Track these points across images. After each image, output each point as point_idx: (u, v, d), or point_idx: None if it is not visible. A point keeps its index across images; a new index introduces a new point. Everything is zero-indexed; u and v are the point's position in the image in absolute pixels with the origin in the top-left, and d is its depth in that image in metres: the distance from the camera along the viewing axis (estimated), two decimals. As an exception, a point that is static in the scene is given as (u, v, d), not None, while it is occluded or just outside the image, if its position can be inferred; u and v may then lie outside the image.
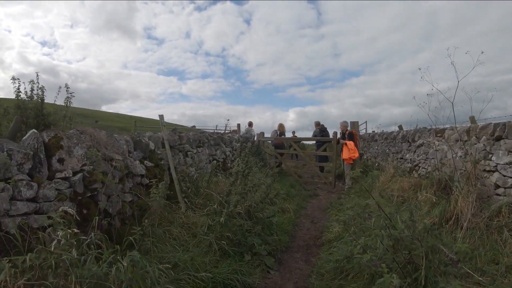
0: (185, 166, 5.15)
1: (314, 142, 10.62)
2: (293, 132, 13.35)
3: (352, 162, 7.96)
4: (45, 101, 4.36)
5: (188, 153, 5.58)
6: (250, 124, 12.10)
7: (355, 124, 9.81)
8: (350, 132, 8.09)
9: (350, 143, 7.91)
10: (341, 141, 8.09)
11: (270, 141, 10.38)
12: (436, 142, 5.23)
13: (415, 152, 6.00)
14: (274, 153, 9.62)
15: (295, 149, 9.05)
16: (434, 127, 5.92)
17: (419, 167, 5.79)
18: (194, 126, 15.86)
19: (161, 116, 5.00)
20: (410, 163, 6.08)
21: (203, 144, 6.41)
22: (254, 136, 10.91)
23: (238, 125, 12.02)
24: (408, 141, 6.60)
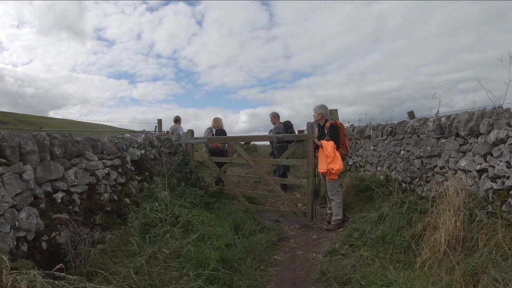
0: None
1: (273, 143, 7.14)
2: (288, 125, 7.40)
3: (335, 177, 4.58)
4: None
5: None
6: (177, 119, 8.15)
7: (332, 114, 6.51)
8: (332, 125, 4.70)
9: (329, 145, 4.53)
10: (316, 141, 4.66)
11: (205, 143, 6.57)
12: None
13: (501, 156, 2.74)
14: (209, 163, 5.91)
15: (243, 156, 5.44)
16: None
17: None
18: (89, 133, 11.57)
19: None
20: (493, 181, 2.81)
21: (15, 156, 2.52)
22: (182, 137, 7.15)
23: (159, 120, 8.01)
24: (461, 136, 3.36)
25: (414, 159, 4.23)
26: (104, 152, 3.84)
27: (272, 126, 7.11)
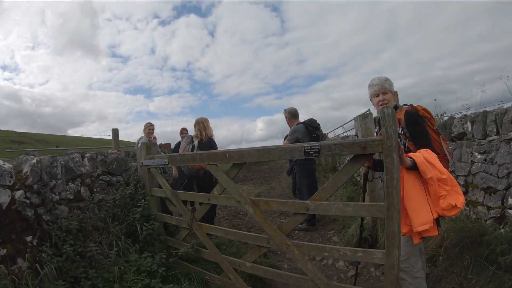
0: None
1: (295, 160, 4.49)
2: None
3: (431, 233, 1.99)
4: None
5: None
6: (149, 131, 5.38)
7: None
8: (410, 114, 2.24)
9: (433, 157, 2.01)
10: (407, 158, 2.01)
11: (165, 165, 3.74)
12: None
13: None
14: (175, 201, 3.23)
15: (230, 192, 2.73)
16: None
17: None
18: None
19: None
20: None
21: None
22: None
23: (114, 131, 5.23)
24: None
25: None
26: None
27: (288, 129, 4.49)
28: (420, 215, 1.96)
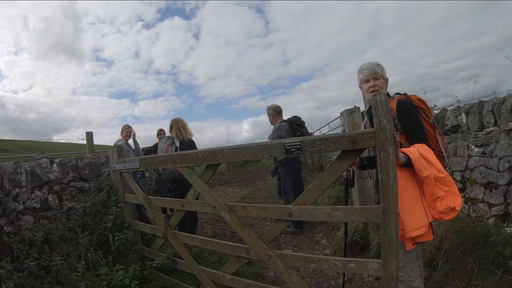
0: None
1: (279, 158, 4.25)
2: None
3: (426, 238, 1.77)
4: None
5: None
6: (126, 133, 5.01)
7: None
8: (402, 104, 1.99)
9: (429, 153, 1.77)
10: (401, 152, 1.76)
11: (137, 169, 3.41)
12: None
13: None
14: (149, 208, 2.93)
15: (205, 197, 2.45)
16: None
17: None
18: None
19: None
20: None
21: None
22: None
23: (88, 134, 4.84)
24: None
25: None
26: None
27: (271, 127, 4.23)
28: (414, 219, 1.71)
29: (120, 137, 4.72)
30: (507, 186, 2.56)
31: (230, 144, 2.31)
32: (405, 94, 2.14)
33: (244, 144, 2.09)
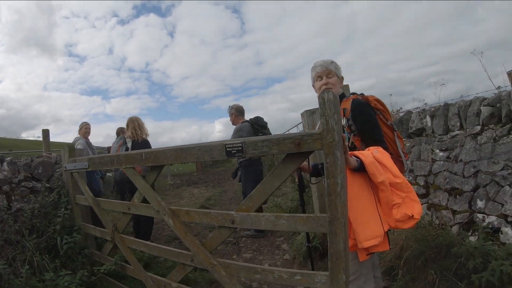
0: None
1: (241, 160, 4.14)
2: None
3: (382, 248, 1.65)
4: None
5: None
6: (85, 130, 4.74)
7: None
8: (358, 104, 1.86)
9: (385, 156, 1.63)
10: (353, 156, 1.62)
11: (85, 169, 3.10)
12: None
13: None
14: (97, 209, 2.73)
15: (149, 200, 2.24)
16: None
17: None
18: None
19: None
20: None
21: None
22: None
23: (44, 131, 4.54)
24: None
25: None
26: None
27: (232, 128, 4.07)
28: (368, 228, 1.57)
29: (79, 135, 4.41)
30: (472, 193, 2.46)
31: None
32: (361, 94, 2.01)
33: (186, 145, 1.92)
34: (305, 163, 1.86)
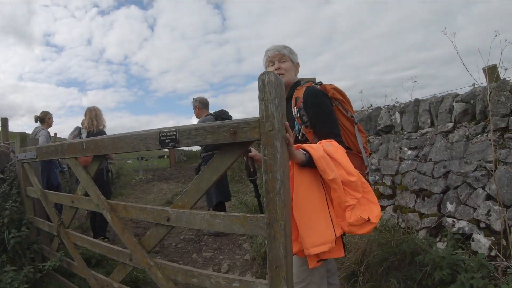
0: None
1: (201, 150, 3.98)
2: None
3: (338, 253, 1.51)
4: None
5: None
6: (40, 118, 4.42)
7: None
8: (312, 92, 1.65)
9: (339, 151, 1.47)
10: (299, 148, 1.44)
11: (34, 159, 2.83)
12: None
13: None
14: (44, 203, 2.55)
15: (89, 192, 2.04)
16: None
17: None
18: None
19: None
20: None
21: None
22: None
23: (3, 120, 4.37)
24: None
25: None
26: None
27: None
28: (316, 232, 1.40)
29: (40, 125, 4.12)
30: (441, 195, 2.32)
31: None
32: (319, 82, 1.84)
33: (123, 134, 1.75)
34: (259, 153, 1.68)
